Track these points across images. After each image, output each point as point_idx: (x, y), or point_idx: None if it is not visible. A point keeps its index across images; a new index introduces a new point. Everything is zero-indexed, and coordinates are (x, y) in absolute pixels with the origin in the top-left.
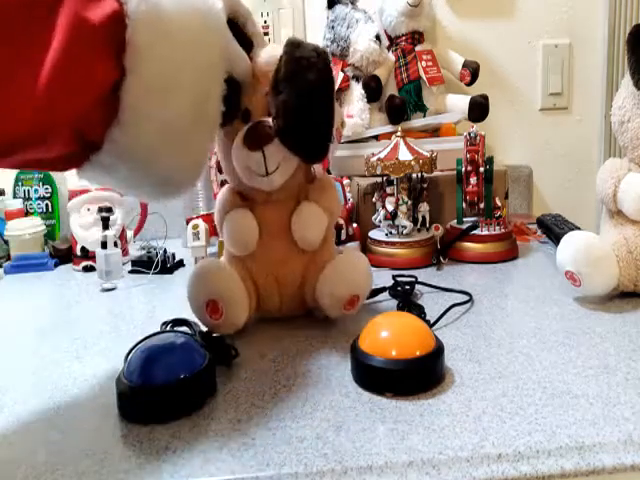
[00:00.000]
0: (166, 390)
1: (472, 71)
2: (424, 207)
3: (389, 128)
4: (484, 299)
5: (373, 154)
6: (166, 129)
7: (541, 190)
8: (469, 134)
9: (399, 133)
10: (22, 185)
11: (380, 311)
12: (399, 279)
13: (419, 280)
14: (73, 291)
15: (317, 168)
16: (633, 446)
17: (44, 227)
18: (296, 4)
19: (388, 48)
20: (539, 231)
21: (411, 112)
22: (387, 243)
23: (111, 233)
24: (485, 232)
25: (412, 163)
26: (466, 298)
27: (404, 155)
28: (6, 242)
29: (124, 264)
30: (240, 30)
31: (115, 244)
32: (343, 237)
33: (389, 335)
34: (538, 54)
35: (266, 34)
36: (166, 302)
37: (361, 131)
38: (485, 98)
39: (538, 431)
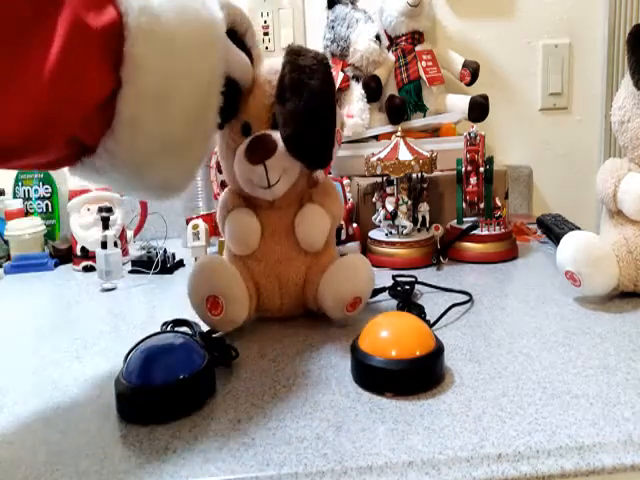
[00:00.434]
0: (165, 391)
1: (472, 71)
2: (424, 207)
3: (389, 128)
4: (484, 299)
5: (373, 154)
6: (161, 141)
7: (541, 190)
8: (469, 134)
9: (399, 133)
10: (22, 185)
11: (380, 311)
12: (399, 279)
13: (419, 280)
14: (73, 291)
15: (319, 172)
16: (633, 446)
17: (44, 227)
18: (296, 4)
19: (388, 48)
20: (539, 231)
21: (411, 112)
22: (387, 243)
23: (111, 233)
24: (485, 232)
25: (412, 163)
26: (466, 298)
27: (404, 155)
28: (6, 242)
29: (124, 264)
30: (239, 39)
31: (115, 244)
32: (343, 237)
33: (389, 335)
34: (538, 54)
35: (266, 34)
36: (166, 302)
37: (361, 131)
38: (485, 98)
39: (538, 431)
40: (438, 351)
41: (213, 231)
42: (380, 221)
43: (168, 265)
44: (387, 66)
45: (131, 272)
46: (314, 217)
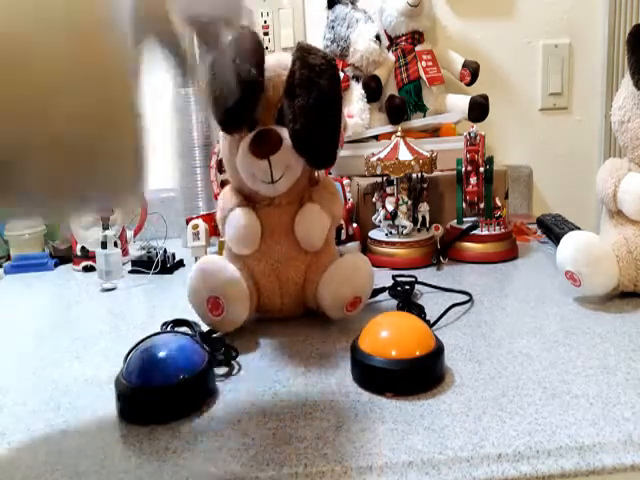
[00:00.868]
0: (165, 391)
1: (472, 71)
2: (424, 207)
3: (389, 128)
4: (484, 299)
5: (373, 154)
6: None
7: (541, 190)
8: (469, 134)
9: (399, 133)
10: None
11: (380, 311)
12: (399, 279)
13: (419, 280)
14: (73, 291)
15: (320, 172)
16: (633, 446)
17: (44, 227)
18: (296, 4)
19: (388, 48)
20: (539, 231)
21: (411, 112)
22: (387, 243)
23: (111, 233)
24: (485, 232)
25: (412, 163)
26: (466, 298)
27: (404, 155)
28: (6, 242)
29: (124, 264)
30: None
31: (115, 244)
32: (343, 237)
33: (389, 335)
34: (538, 54)
35: (266, 34)
36: (166, 302)
37: (361, 131)
38: (485, 98)
39: (538, 431)
40: (438, 351)
41: (213, 231)
42: (380, 221)
43: (168, 265)
44: (387, 66)
45: (131, 272)
46: (314, 216)
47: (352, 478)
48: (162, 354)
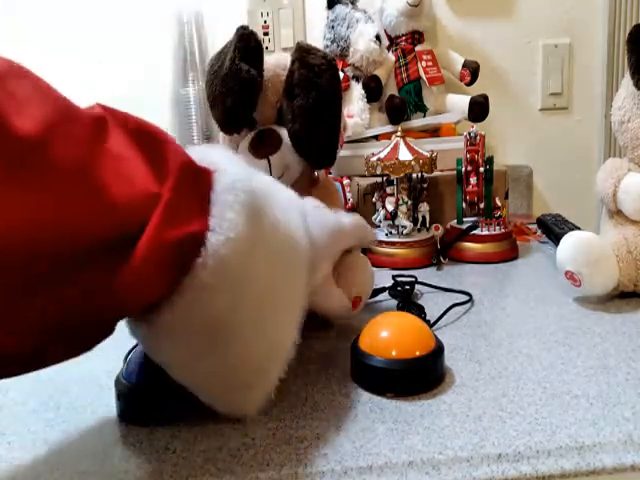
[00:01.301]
0: (165, 391)
1: (472, 71)
2: (424, 207)
3: (389, 128)
4: (484, 299)
5: (373, 154)
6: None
7: (541, 190)
8: (469, 134)
9: (399, 133)
10: None
11: (380, 311)
12: (399, 279)
13: (419, 280)
14: None
15: (320, 172)
16: (633, 446)
17: None
18: (296, 4)
19: (388, 48)
20: (539, 231)
21: (411, 112)
22: (387, 243)
23: None
24: (485, 232)
25: (412, 163)
26: (466, 298)
27: (404, 155)
28: None
29: None
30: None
31: None
32: None
33: (389, 335)
34: (538, 54)
35: (266, 34)
36: None
37: (361, 131)
38: (485, 98)
39: (538, 431)
40: (438, 351)
41: None
42: (380, 221)
43: None
44: (387, 66)
45: None
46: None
47: (352, 478)
48: None
